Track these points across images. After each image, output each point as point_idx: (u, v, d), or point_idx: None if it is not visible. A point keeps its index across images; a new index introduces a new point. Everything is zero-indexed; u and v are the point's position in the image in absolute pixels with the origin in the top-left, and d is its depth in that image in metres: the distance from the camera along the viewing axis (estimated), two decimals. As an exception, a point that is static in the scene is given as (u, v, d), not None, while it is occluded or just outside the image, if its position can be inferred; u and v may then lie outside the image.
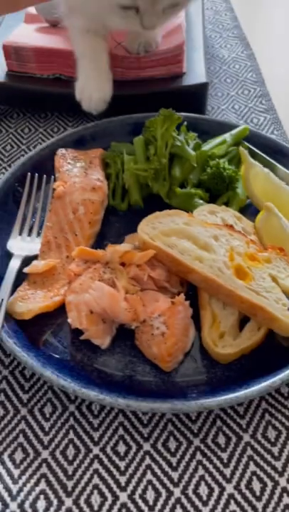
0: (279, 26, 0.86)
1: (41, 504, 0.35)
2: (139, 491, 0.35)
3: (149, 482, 0.36)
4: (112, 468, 0.37)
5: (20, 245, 0.48)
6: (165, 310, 0.40)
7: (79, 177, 0.50)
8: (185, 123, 0.55)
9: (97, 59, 0.59)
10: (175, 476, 0.36)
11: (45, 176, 0.53)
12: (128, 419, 0.39)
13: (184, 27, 0.65)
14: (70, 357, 0.41)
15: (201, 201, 0.52)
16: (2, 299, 0.41)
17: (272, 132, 0.64)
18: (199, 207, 0.49)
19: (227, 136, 0.56)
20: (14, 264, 0.45)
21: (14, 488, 0.35)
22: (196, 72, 0.63)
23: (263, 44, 0.79)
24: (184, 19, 0.67)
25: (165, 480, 0.36)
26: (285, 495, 0.35)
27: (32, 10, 0.69)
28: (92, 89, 0.57)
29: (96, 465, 0.37)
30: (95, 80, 0.58)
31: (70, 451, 0.37)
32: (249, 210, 0.52)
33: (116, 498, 0.35)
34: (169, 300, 0.41)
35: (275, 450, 0.37)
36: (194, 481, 0.36)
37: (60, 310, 0.44)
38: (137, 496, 0.35)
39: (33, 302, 0.43)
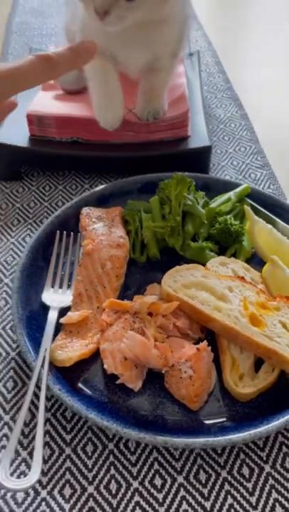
0: (268, 86, 0.95)
1: (91, 535, 0.39)
2: (177, 519, 0.40)
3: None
4: (151, 500, 0.41)
5: (54, 297, 0.53)
6: (191, 356, 0.45)
7: (104, 235, 0.56)
8: (193, 182, 0.62)
9: (108, 80, 0.64)
10: (208, 505, 0.41)
11: (72, 233, 0.59)
12: (162, 455, 0.44)
13: (187, 95, 0.73)
14: (106, 399, 0.46)
15: (212, 253, 0.58)
16: (46, 349, 0.47)
17: (269, 187, 0.72)
18: (212, 259, 0.56)
19: (231, 194, 0.63)
20: (53, 316, 0.50)
21: (66, 522, 0.40)
22: (199, 136, 0.70)
23: (254, 105, 0.88)
24: (186, 88, 0.75)
25: (199, 509, 0.41)
26: (304, 518, 0.40)
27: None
28: (106, 110, 0.64)
29: (137, 498, 0.41)
30: (107, 101, 0.64)
31: (113, 486, 0.42)
32: (255, 260, 0.59)
33: (157, 527, 0.40)
34: (194, 346, 0.46)
35: (293, 478, 0.43)
36: (225, 509, 0.41)
37: (93, 356, 0.49)
38: (175, 525, 0.40)
39: (71, 350, 0.48)
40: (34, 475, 0.37)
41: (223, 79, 0.95)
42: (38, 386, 0.45)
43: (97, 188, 0.65)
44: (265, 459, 0.44)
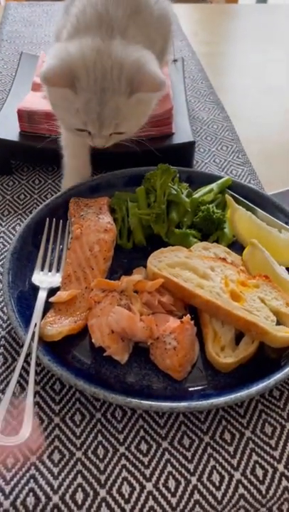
0: (248, 92, 1.00)
1: (79, 496, 0.41)
2: (162, 480, 0.42)
3: (170, 473, 0.42)
4: (137, 463, 0.43)
5: (44, 279, 0.55)
6: (175, 328, 0.47)
7: (92, 221, 0.59)
8: (177, 175, 0.66)
9: (77, 155, 0.68)
10: (191, 467, 0.43)
11: (61, 220, 0.62)
12: (147, 422, 0.46)
13: (171, 95, 0.77)
14: (94, 371, 0.48)
15: (195, 239, 0.61)
16: (36, 323, 0.48)
17: (250, 182, 0.75)
18: (195, 244, 0.59)
19: (214, 186, 0.66)
20: (42, 295, 0.52)
21: (55, 484, 0.41)
22: (183, 133, 0.74)
23: (236, 108, 0.92)
24: (170, 89, 0.79)
25: (183, 471, 0.43)
26: (283, 478, 0.42)
27: (38, 79, 0.80)
28: (70, 181, 0.67)
29: (123, 461, 0.43)
30: (72, 176, 0.68)
31: (100, 451, 0.44)
32: (235, 247, 0.62)
33: (143, 487, 0.41)
34: (178, 320, 0.49)
35: (272, 442, 0.45)
36: (207, 470, 0.43)
37: (81, 333, 0.51)
38: (160, 485, 0.42)
39: (60, 326, 0.50)
40: (24, 433, 0.39)
41: (206, 85, 0.99)
42: (27, 362, 0.47)
43: (86, 180, 0.67)
44: (245, 425, 0.46)
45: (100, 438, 0.45)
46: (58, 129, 0.72)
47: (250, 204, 0.64)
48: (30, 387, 0.44)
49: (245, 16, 1.37)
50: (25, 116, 0.72)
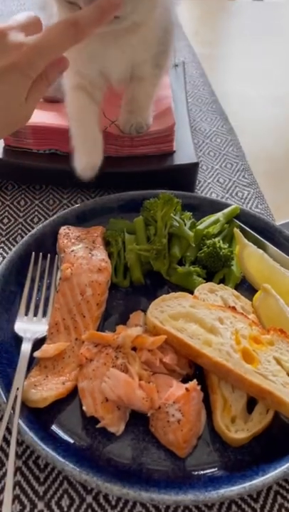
0: (254, 100, 0.93)
1: None
2: None
3: None
4: None
5: (28, 327, 0.48)
6: (180, 397, 0.41)
7: (84, 258, 0.52)
8: (180, 201, 0.59)
9: (86, 123, 0.60)
10: None
11: (49, 255, 0.55)
12: (146, 508, 0.39)
13: (173, 109, 0.70)
14: (84, 445, 0.41)
15: (199, 278, 0.55)
16: (18, 388, 0.42)
17: (257, 206, 0.69)
18: (200, 285, 0.52)
19: (220, 215, 0.59)
20: (26, 349, 0.45)
21: None
22: (185, 151, 0.67)
23: (241, 118, 0.86)
24: (172, 101, 0.72)
25: None
26: None
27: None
28: (81, 157, 0.59)
29: None
30: (84, 146, 0.60)
31: None
32: (244, 286, 0.55)
33: None
34: (183, 386, 0.42)
35: (290, 533, 0.39)
36: None
37: (70, 394, 0.44)
38: None
39: (46, 389, 0.43)
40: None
41: (208, 92, 0.92)
42: (8, 429, 0.41)
43: (77, 205, 0.60)
44: (259, 511, 0.40)
45: (91, 530, 0.38)
46: (44, 143, 0.65)
47: (260, 238, 0.57)
48: (9, 478, 0.37)
49: (244, 13, 1.30)
50: (10, 130, 0.64)
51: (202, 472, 0.40)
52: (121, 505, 0.40)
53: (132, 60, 0.61)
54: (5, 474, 0.40)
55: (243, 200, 0.70)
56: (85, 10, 0.45)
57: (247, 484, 0.38)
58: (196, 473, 0.40)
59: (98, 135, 0.60)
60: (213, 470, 0.40)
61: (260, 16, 1.27)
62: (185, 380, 0.44)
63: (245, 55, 1.07)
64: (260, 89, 0.95)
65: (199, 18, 1.22)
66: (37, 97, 0.44)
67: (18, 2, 1.15)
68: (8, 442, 0.41)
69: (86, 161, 0.59)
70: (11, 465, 0.38)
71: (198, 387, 0.43)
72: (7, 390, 0.42)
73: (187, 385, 0.42)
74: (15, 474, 0.41)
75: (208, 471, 0.40)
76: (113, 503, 0.40)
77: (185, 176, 0.66)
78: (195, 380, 0.43)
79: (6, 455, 0.41)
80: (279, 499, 0.41)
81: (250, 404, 0.44)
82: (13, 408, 0.41)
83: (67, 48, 0.43)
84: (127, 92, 0.66)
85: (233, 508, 0.40)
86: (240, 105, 0.89)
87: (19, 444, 0.42)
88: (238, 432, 0.41)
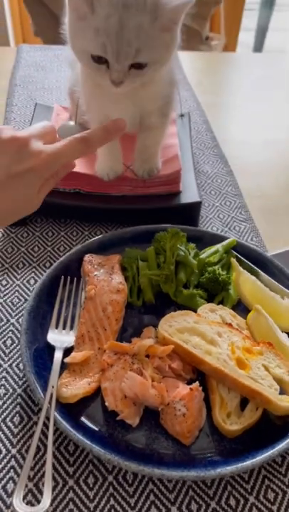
0: (251, 146, 1.05)
1: None
2: None
3: (179, 539, 0.45)
4: (148, 529, 0.45)
5: (59, 338, 0.58)
6: (185, 395, 0.50)
7: (105, 281, 0.62)
8: (185, 235, 0.69)
9: (110, 144, 0.70)
10: (198, 533, 0.45)
11: (75, 278, 0.65)
12: (157, 487, 0.48)
13: (179, 155, 0.81)
14: (107, 434, 0.51)
15: (202, 299, 0.64)
16: (53, 386, 0.51)
17: (252, 239, 0.79)
18: (202, 305, 0.62)
19: (219, 247, 0.70)
20: (58, 355, 0.55)
21: None
22: (190, 192, 0.78)
23: (239, 162, 0.97)
24: (178, 149, 0.83)
25: (191, 537, 0.45)
26: None
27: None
28: (108, 168, 0.76)
29: (135, 526, 0.45)
30: (108, 161, 0.76)
31: (113, 515, 0.46)
32: (240, 307, 0.65)
33: None
34: (187, 386, 0.52)
35: (274, 508, 0.47)
36: (214, 536, 0.45)
37: (94, 393, 0.53)
38: None
39: (75, 388, 0.52)
40: (46, 501, 0.41)
41: (211, 137, 1.04)
42: (44, 423, 0.50)
43: (98, 237, 0.71)
44: (249, 490, 0.49)
45: (112, 502, 0.47)
46: (70, 184, 0.76)
47: (253, 267, 0.68)
48: (49, 459, 0.46)
49: (244, 63, 1.44)
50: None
51: (203, 456, 0.49)
52: (136, 483, 0.48)
53: (141, 111, 0.73)
54: (43, 456, 0.49)
55: (239, 234, 0.80)
56: (94, 130, 0.54)
57: (239, 465, 0.47)
58: (198, 457, 0.49)
59: (120, 153, 0.77)
60: (211, 455, 0.49)
61: (259, 66, 1.41)
62: (189, 382, 0.54)
63: (244, 103, 1.19)
64: (257, 134, 1.07)
65: (202, 70, 1.36)
66: (47, 190, 0.53)
67: (57, 59, 1.29)
68: (43, 431, 0.50)
69: (112, 173, 0.77)
70: (49, 448, 0.47)
71: (200, 388, 0.52)
72: (44, 388, 0.52)
73: (191, 386, 0.52)
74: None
75: (207, 455, 0.49)
76: (130, 481, 0.48)
77: (190, 213, 0.77)
78: (197, 382, 0.52)
79: (42, 442, 0.50)
80: (266, 481, 0.49)
81: (243, 402, 0.53)
82: (50, 403, 0.50)
83: (77, 158, 0.53)
84: (139, 141, 0.77)
85: (229, 488, 0.49)
86: (239, 149, 1.01)
87: (54, 433, 0.51)
88: (233, 425, 0.50)
